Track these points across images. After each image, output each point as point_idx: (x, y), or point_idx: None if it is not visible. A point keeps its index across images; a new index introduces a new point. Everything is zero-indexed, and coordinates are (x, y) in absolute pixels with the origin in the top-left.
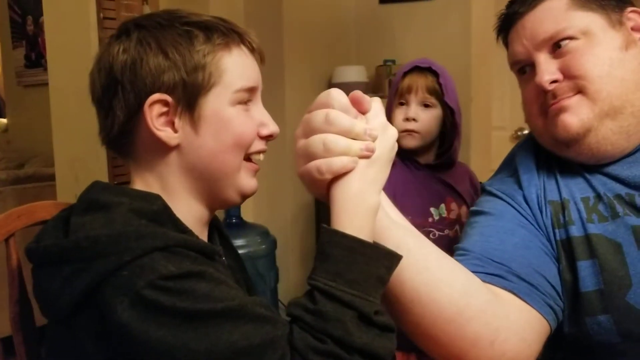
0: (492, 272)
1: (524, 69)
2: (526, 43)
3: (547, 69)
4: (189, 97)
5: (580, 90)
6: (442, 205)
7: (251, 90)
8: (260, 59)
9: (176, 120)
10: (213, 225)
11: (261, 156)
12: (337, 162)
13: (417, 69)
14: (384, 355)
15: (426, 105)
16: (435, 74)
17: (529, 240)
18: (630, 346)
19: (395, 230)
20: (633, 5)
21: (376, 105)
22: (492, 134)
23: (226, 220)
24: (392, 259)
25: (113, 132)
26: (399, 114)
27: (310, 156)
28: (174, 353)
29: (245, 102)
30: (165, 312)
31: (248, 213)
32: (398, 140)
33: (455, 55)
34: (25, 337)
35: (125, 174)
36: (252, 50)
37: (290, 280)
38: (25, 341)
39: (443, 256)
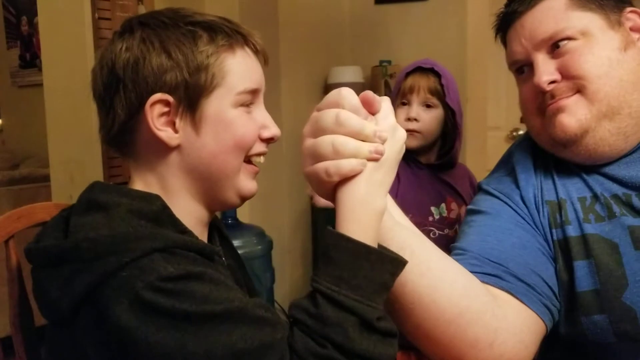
0: (490, 272)
1: (522, 68)
2: (525, 43)
3: (546, 70)
4: (190, 97)
5: (578, 90)
6: (443, 205)
7: (254, 92)
8: (264, 60)
9: (177, 121)
10: (213, 226)
11: (261, 158)
12: (346, 165)
13: (419, 70)
14: None
15: (428, 106)
16: (437, 74)
17: (526, 240)
18: (625, 346)
19: (398, 231)
20: (632, 6)
21: (386, 105)
22: (487, 134)
23: (222, 221)
24: (397, 265)
25: (113, 131)
26: (401, 113)
27: (318, 157)
28: (172, 355)
29: (247, 105)
30: (164, 314)
31: (244, 214)
32: None
33: (450, 56)
34: (25, 339)
35: (121, 175)
36: (256, 51)
37: (286, 281)
38: (25, 342)
39: (445, 258)
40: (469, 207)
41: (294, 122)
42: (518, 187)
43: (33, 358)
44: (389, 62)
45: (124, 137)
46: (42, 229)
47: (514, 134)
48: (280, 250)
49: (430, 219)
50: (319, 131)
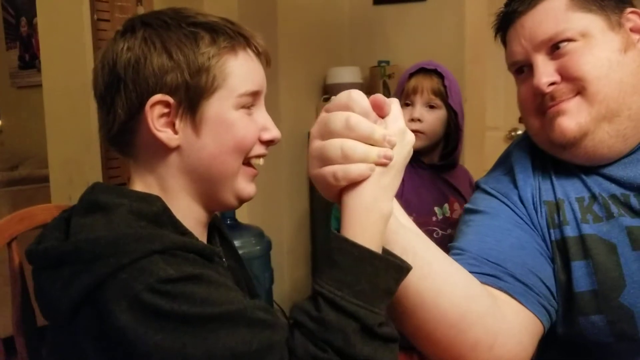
0: (488, 272)
1: (522, 68)
2: (524, 43)
3: (545, 71)
4: (191, 99)
5: (579, 92)
6: (446, 205)
7: (255, 94)
8: (267, 62)
9: (177, 122)
10: (214, 226)
11: (261, 160)
12: (354, 170)
13: (422, 71)
14: None
15: (431, 107)
16: (440, 75)
17: (525, 241)
18: (623, 346)
19: (402, 234)
20: (633, 6)
21: (396, 109)
22: (485, 134)
23: (222, 222)
24: (401, 271)
25: (113, 130)
26: (405, 114)
27: (326, 160)
28: (171, 357)
29: (248, 107)
30: (164, 316)
31: (243, 214)
32: None
33: (449, 56)
34: (27, 339)
35: (120, 176)
36: (257, 53)
37: (285, 282)
38: (27, 343)
39: (448, 260)
40: (467, 206)
41: (293, 122)
42: (516, 187)
43: (35, 358)
44: (388, 62)
45: (124, 137)
46: (42, 230)
47: (512, 134)
48: (279, 250)
49: (434, 219)
50: (327, 134)
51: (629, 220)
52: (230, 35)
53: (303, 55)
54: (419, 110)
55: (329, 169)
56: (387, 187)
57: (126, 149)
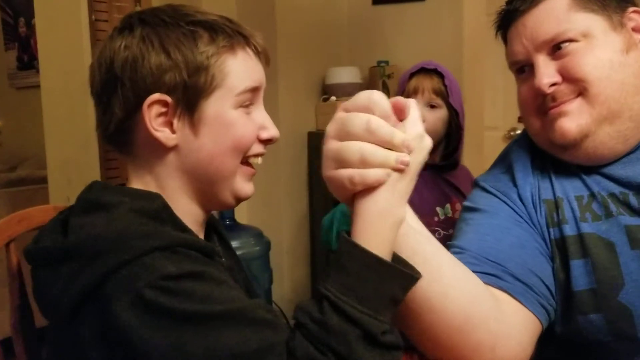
0: (488, 271)
1: (523, 68)
2: (526, 43)
3: (546, 72)
4: (189, 98)
5: (580, 93)
6: (448, 205)
7: (254, 91)
8: (266, 61)
9: (175, 121)
10: (211, 226)
11: (259, 159)
12: (372, 175)
13: (423, 71)
14: None
15: (432, 106)
16: (440, 75)
17: (525, 239)
18: (621, 345)
19: (412, 237)
20: (635, 5)
21: (414, 112)
22: (484, 134)
23: (220, 221)
24: (409, 279)
25: (110, 129)
26: None
27: (342, 162)
28: (171, 355)
29: (247, 105)
30: (165, 313)
31: (242, 215)
32: None
33: (447, 56)
34: (25, 341)
35: (119, 177)
36: (257, 52)
37: (284, 282)
38: (26, 345)
39: (455, 263)
40: (466, 203)
41: (292, 123)
42: (515, 185)
43: None
44: (387, 62)
45: (121, 136)
46: (39, 231)
47: (511, 133)
48: (278, 251)
49: (436, 219)
50: (346, 135)
51: (627, 219)
52: (229, 34)
53: (302, 55)
54: (421, 110)
55: (345, 173)
56: (402, 192)
57: (123, 147)
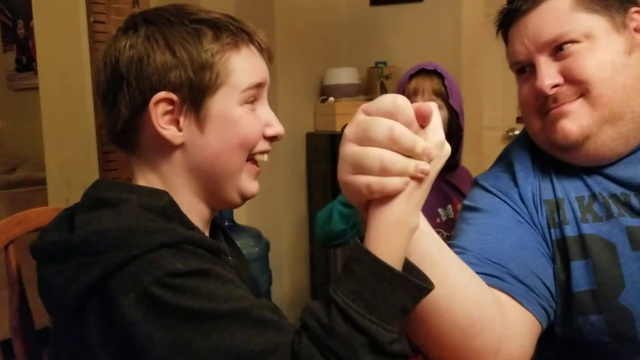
0: (490, 272)
1: (524, 68)
2: (527, 43)
3: (548, 73)
4: (195, 96)
5: (582, 94)
6: (449, 207)
7: (258, 87)
8: (269, 58)
9: (181, 119)
10: (217, 225)
11: (265, 156)
12: (391, 184)
13: (423, 72)
14: None
15: None
16: (440, 76)
17: (526, 240)
18: (621, 346)
19: (422, 240)
20: (638, 6)
21: (436, 119)
22: (483, 135)
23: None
24: (421, 291)
25: (117, 128)
26: None
27: (361, 168)
28: (175, 352)
29: (252, 102)
30: (170, 310)
31: (241, 216)
32: None
33: (446, 56)
34: (25, 343)
35: (118, 178)
36: (261, 49)
37: (284, 283)
38: (25, 347)
39: (463, 267)
40: (466, 202)
41: (290, 123)
42: (516, 185)
43: None
44: (385, 63)
45: (127, 135)
46: (45, 227)
47: (510, 134)
48: (277, 252)
49: (438, 220)
50: (366, 140)
51: (629, 220)
52: (233, 32)
53: (300, 56)
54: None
55: (363, 180)
56: (418, 201)
57: (129, 146)
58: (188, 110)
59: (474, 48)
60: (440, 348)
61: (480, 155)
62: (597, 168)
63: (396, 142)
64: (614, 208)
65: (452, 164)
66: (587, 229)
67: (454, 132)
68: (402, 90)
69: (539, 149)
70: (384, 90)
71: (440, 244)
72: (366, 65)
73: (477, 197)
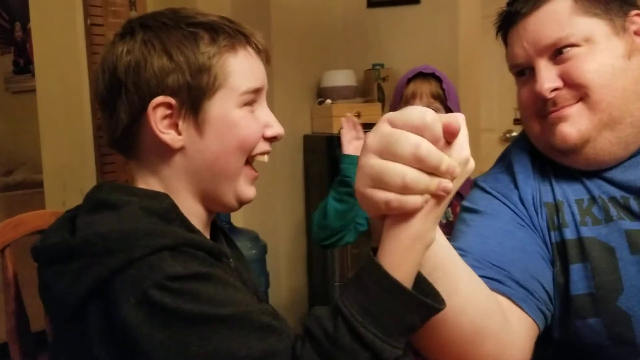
0: (491, 276)
1: (523, 71)
2: (527, 47)
3: (547, 76)
4: (193, 99)
5: (581, 98)
6: (449, 210)
7: (257, 91)
8: (267, 59)
9: (180, 123)
10: (218, 228)
11: (265, 157)
12: (411, 203)
13: (420, 75)
14: None
15: None
16: (438, 79)
17: (526, 243)
18: (619, 349)
19: (435, 250)
20: (638, 9)
21: (463, 135)
22: (480, 136)
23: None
24: (430, 310)
25: (117, 134)
26: None
27: (381, 183)
28: (174, 354)
29: (250, 104)
30: (170, 314)
31: (238, 218)
32: None
33: (443, 58)
34: (21, 347)
35: (115, 180)
36: (258, 51)
37: (281, 286)
38: (21, 351)
39: (471, 276)
40: (465, 204)
41: (288, 126)
42: (517, 187)
43: None
44: (382, 65)
45: (127, 140)
46: (47, 229)
47: (507, 135)
48: (274, 254)
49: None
50: (389, 155)
51: (628, 224)
52: (230, 34)
53: (297, 58)
54: None
55: (382, 196)
56: (436, 218)
57: (129, 151)
58: (187, 114)
59: (470, 50)
60: (443, 355)
61: (478, 157)
62: (596, 171)
63: (421, 161)
64: (614, 211)
65: None
66: (586, 232)
67: None
68: (400, 94)
69: (539, 152)
70: (381, 93)
71: (453, 254)
72: (363, 67)
73: (477, 199)
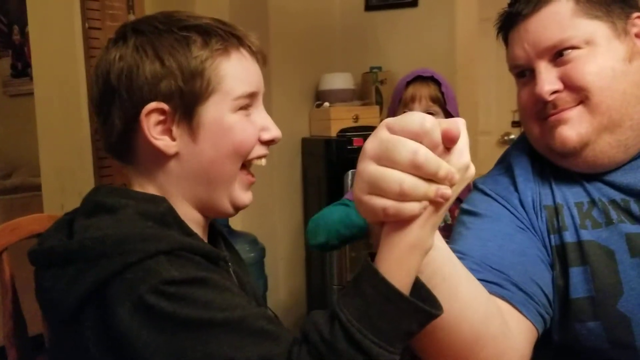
0: (490, 279)
1: (523, 72)
2: (527, 48)
3: (548, 79)
4: (186, 105)
5: (581, 101)
6: (447, 213)
7: (252, 96)
8: (263, 61)
9: (174, 129)
10: (217, 231)
11: (263, 161)
12: (408, 210)
13: (419, 78)
14: None
15: (430, 114)
16: (437, 82)
17: (526, 246)
18: (619, 353)
19: (435, 256)
20: (639, 11)
21: (463, 140)
22: (478, 139)
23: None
24: (428, 317)
25: (112, 140)
26: None
27: (378, 190)
28: (170, 359)
29: (246, 108)
30: (166, 318)
31: (236, 221)
32: None
33: (440, 61)
34: (19, 351)
35: (113, 184)
36: (252, 53)
37: (279, 289)
38: (19, 354)
39: (471, 280)
40: (464, 206)
41: (286, 129)
42: (516, 189)
43: None
44: (380, 68)
45: (122, 146)
46: (45, 232)
47: (505, 138)
48: (273, 257)
49: None
50: (387, 161)
51: (628, 227)
52: (223, 37)
53: (295, 61)
54: None
55: (380, 202)
56: (434, 224)
57: (125, 157)
58: (180, 119)
59: (468, 53)
60: (442, 359)
61: (475, 160)
62: (596, 174)
63: (419, 168)
64: (614, 214)
65: None
66: (586, 235)
67: None
68: (398, 97)
69: (539, 154)
70: (379, 95)
71: (452, 259)
72: (361, 70)
73: (477, 201)
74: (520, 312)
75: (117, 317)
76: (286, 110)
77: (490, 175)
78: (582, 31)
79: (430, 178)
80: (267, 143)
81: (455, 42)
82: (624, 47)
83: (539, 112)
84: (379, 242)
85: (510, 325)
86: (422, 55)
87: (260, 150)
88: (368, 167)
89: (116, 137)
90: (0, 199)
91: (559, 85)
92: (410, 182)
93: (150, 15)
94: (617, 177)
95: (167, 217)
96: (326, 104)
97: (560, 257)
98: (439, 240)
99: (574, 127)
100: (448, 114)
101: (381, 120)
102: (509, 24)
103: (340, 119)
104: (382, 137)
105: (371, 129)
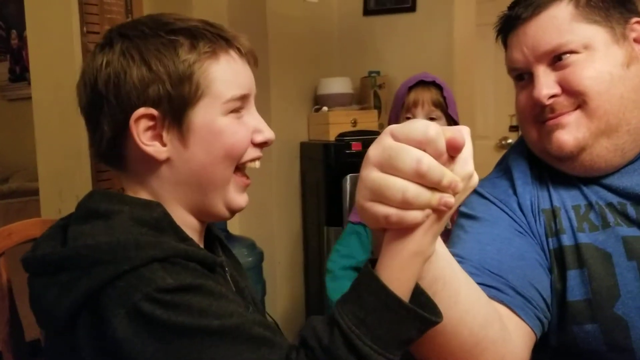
0: (489, 283)
1: (522, 75)
2: (526, 52)
3: (546, 83)
4: (175, 109)
5: (579, 106)
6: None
7: (243, 98)
8: (254, 62)
9: (164, 134)
10: (214, 236)
11: (257, 163)
12: (410, 218)
13: (421, 83)
14: None
15: (432, 119)
16: (438, 87)
17: (525, 250)
18: (616, 355)
19: (435, 262)
20: (639, 16)
21: (467, 149)
22: (476, 144)
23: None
24: (428, 323)
25: (102, 147)
26: None
27: (381, 197)
28: None
29: (237, 110)
30: (160, 326)
31: (234, 225)
32: None
33: (438, 65)
34: (15, 356)
35: (111, 188)
36: (241, 54)
37: (277, 293)
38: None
39: (471, 286)
40: (462, 209)
41: (284, 133)
42: (515, 193)
43: None
44: (378, 72)
45: (113, 152)
46: (39, 238)
47: (503, 142)
48: (271, 262)
49: None
50: (390, 168)
51: (625, 230)
52: (211, 40)
53: (294, 66)
54: None
55: (382, 210)
56: (436, 232)
57: (116, 163)
58: (170, 125)
59: (466, 57)
60: None
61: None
62: (594, 178)
63: (423, 176)
64: (611, 217)
65: None
66: (583, 238)
67: None
68: (400, 102)
69: (537, 157)
70: (378, 100)
71: (453, 265)
72: (359, 74)
73: (475, 205)
74: (519, 316)
75: (111, 325)
76: (285, 115)
77: (488, 178)
78: (580, 36)
79: (434, 186)
80: (260, 145)
81: (453, 47)
82: (623, 52)
83: (536, 116)
84: (381, 248)
85: (509, 330)
86: (420, 60)
87: (253, 152)
88: (371, 174)
89: (106, 144)
90: None
91: (557, 90)
92: (414, 191)
93: (137, 19)
94: (614, 181)
95: (162, 222)
96: (325, 108)
97: (558, 260)
98: (439, 245)
99: (571, 132)
100: (450, 118)
101: (380, 125)
102: (508, 27)
103: (338, 123)
104: (385, 144)
105: (370, 133)
